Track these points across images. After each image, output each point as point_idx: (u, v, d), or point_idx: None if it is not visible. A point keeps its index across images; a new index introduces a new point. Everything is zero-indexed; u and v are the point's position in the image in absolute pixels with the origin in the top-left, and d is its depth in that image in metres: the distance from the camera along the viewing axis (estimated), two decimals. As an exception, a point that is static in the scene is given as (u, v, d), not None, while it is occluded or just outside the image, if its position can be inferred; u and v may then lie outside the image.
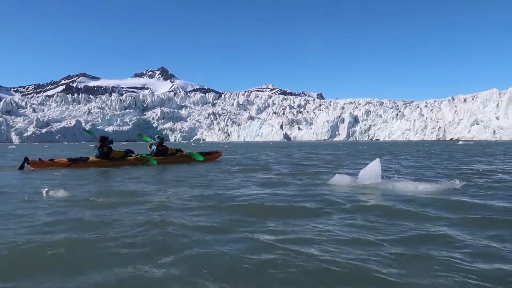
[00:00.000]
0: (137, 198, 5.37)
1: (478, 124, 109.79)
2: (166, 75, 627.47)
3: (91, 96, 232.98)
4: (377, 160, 6.29)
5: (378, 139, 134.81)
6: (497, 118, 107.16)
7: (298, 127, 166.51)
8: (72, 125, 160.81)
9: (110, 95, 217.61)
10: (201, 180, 7.68)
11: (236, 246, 3.03)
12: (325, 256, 2.79)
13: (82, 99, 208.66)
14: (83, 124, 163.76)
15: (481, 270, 2.54)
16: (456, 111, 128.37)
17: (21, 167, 10.63)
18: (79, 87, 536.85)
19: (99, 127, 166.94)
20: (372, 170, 6.17)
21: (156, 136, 13.20)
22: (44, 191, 5.69)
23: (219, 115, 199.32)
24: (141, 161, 12.09)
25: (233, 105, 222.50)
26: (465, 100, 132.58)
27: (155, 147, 12.92)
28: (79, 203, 5.02)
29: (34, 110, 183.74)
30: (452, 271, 2.50)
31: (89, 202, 5.13)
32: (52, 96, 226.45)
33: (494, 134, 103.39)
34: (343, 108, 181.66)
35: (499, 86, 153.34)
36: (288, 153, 22.27)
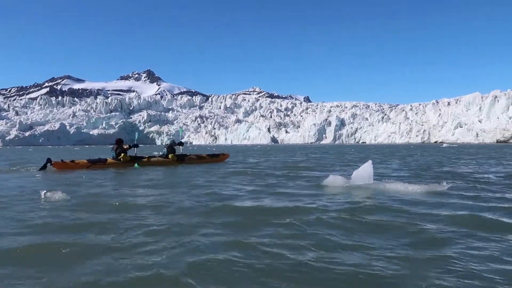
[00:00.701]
0: (123, 206, 5.08)
1: (461, 127, 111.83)
2: (153, 77, 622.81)
3: (76, 99, 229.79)
4: (370, 162, 6.49)
5: (365, 142, 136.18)
6: (479, 121, 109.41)
7: (286, 130, 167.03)
8: (56, 128, 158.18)
9: (96, 98, 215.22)
10: (194, 185, 7.77)
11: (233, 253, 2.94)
12: (325, 260, 2.89)
13: (67, 102, 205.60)
14: (68, 128, 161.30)
15: (474, 272, 2.68)
16: (440, 114, 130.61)
17: (43, 168, 11.11)
18: (64, 89, 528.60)
19: (84, 130, 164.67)
20: (364, 172, 6.36)
21: (167, 139, 13.72)
22: (43, 192, 5.76)
23: (206, 118, 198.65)
24: (151, 163, 12.71)
25: (220, 108, 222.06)
26: (449, 104, 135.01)
27: (165, 149, 13.53)
28: (68, 208, 4.90)
29: (17, 113, 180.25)
30: (446, 273, 2.59)
31: (79, 207, 4.95)
32: (35, 98, 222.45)
33: (477, 137, 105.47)
34: (329, 111, 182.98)
35: (481, 90, 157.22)
36: (277, 156, 22.45)
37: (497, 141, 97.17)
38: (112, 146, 12.76)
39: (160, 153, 13.81)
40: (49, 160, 11.21)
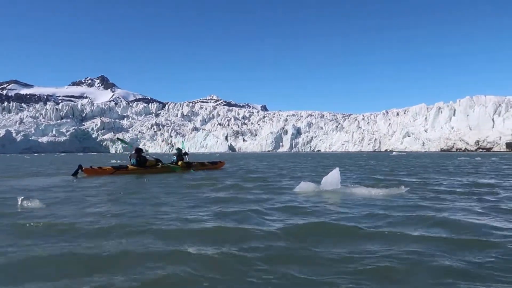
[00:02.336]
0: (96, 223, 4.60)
1: (409, 136, 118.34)
2: (107, 84, 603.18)
3: (23, 105, 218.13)
4: (337, 169, 7.32)
5: (320, 150, 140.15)
6: (425, 131, 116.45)
7: (243, 138, 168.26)
8: (1, 135, 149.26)
9: (45, 104, 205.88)
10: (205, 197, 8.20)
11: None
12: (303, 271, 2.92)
13: (13, 107, 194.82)
14: (14, 135, 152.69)
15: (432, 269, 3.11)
16: (390, 124, 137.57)
17: (75, 174, 12.24)
18: (10, 94, 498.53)
19: (32, 138, 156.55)
20: (333, 178, 7.17)
21: (175, 148, 15.45)
22: (20, 199, 5.95)
23: (163, 126, 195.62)
24: (167, 169, 14.01)
25: (177, 115, 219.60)
26: (397, 114, 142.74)
27: (175, 157, 15.01)
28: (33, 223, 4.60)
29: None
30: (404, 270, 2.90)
31: (44, 224, 4.55)
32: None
33: (423, 145, 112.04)
34: (286, 120, 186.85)
35: (427, 101, 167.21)
36: (239, 165, 23.05)
37: (441, 150, 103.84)
38: (131, 154, 13.92)
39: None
40: (80, 167, 12.46)
